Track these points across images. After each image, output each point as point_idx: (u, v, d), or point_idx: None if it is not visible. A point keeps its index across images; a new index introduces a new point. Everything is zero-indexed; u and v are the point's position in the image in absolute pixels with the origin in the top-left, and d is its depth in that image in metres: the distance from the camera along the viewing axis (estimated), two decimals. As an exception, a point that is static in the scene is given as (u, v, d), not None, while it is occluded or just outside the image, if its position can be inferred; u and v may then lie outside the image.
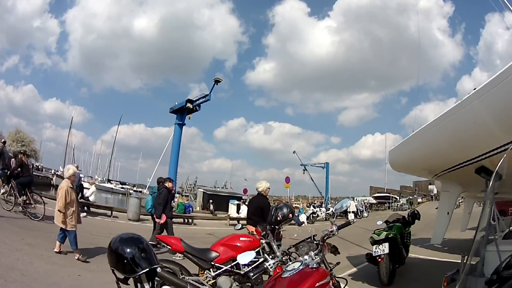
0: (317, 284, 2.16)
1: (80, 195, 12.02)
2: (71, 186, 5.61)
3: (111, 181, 52.25)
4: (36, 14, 76.15)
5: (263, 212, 5.64)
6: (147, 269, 1.69)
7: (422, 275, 6.30)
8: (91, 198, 13.12)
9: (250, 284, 3.79)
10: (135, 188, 47.20)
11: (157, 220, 7.39)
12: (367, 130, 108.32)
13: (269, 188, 6.05)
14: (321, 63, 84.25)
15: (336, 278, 2.61)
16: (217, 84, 30.30)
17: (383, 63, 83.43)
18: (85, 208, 12.08)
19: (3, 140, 11.04)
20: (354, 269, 6.68)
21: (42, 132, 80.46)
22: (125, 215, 12.99)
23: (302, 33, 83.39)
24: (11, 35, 74.35)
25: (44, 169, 43.63)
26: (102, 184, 43.21)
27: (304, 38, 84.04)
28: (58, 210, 5.31)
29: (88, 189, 14.23)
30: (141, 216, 12.76)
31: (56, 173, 40.36)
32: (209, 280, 3.74)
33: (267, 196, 6.19)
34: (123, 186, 51.53)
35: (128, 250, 1.70)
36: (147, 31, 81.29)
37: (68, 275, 4.56)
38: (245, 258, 2.74)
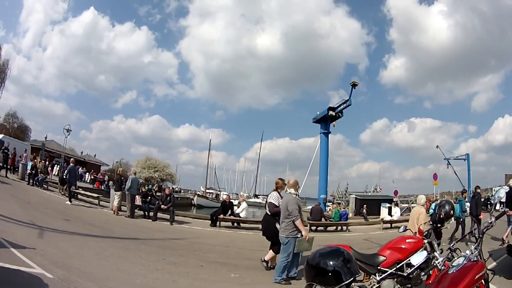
0: (476, 277, 2.34)
1: (229, 212, 13.24)
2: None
3: (257, 196, 55.57)
4: (144, 51, 79.73)
5: None
6: (352, 279, 1.62)
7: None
8: (242, 214, 13.95)
9: (410, 285, 3.88)
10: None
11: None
12: (498, 113, 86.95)
13: None
14: (445, 49, 73.96)
15: (487, 271, 2.68)
16: (354, 88, 30.19)
17: (495, 38, 68.73)
18: (235, 224, 13.10)
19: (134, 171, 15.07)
20: (494, 264, 6.38)
21: (178, 156, 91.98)
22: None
23: (419, 22, 74.27)
24: (118, 73, 79.67)
25: (182, 191, 48.73)
26: (249, 200, 46.09)
27: (423, 26, 74.84)
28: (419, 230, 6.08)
29: (238, 206, 15.33)
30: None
31: (197, 193, 45.17)
32: (374, 285, 3.84)
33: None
34: (271, 199, 53.74)
35: (331, 262, 1.91)
36: (273, 48, 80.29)
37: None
38: (417, 258, 3.08)
